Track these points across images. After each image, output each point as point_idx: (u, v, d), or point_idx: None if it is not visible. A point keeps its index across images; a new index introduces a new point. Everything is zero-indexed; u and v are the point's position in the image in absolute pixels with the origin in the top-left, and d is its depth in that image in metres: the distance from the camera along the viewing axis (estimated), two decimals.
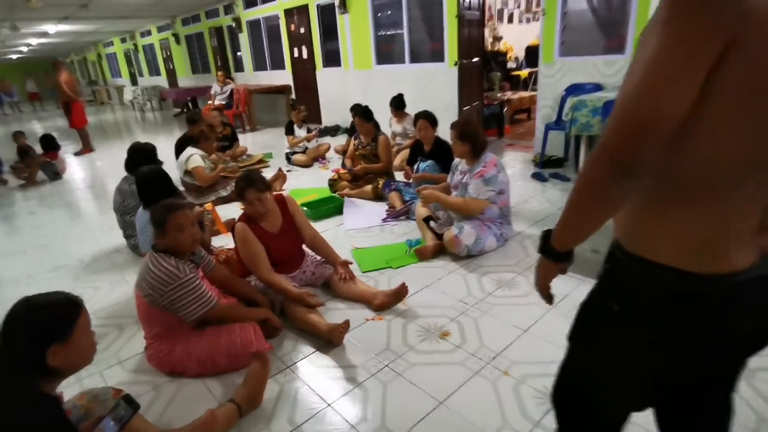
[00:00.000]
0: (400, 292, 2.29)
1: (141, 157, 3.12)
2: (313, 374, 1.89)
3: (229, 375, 1.89)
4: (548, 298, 1.04)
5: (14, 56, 21.33)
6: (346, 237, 3.28)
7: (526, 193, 3.94)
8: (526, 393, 1.71)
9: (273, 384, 1.83)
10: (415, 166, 3.78)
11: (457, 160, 3.04)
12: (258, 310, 2.11)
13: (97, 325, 2.41)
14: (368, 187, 4.04)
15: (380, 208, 3.75)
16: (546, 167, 4.62)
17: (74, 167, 6.77)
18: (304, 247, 2.63)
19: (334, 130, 7.60)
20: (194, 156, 3.98)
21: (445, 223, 2.98)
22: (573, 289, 2.37)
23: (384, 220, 3.50)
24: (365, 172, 4.13)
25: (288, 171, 5.25)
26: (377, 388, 1.78)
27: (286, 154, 5.67)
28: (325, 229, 3.46)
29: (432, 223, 2.99)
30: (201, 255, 2.09)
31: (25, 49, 18.01)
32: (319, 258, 2.59)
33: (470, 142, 2.77)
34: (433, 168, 3.59)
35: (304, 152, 5.61)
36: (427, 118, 3.62)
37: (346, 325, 2.03)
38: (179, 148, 4.37)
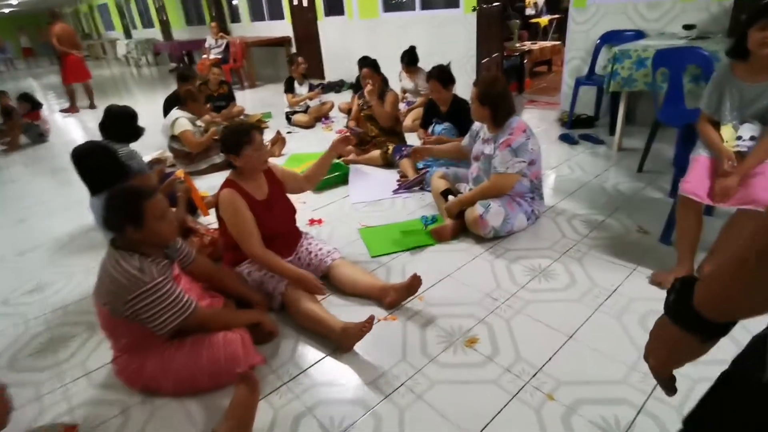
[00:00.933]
0: (413, 285, 1.93)
1: (119, 124, 2.71)
2: (315, 394, 1.57)
3: (213, 394, 1.57)
4: (670, 388, 0.66)
5: (6, 9, 20.33)
6: (353, 212, 2.90)
7: (555, 159, 3.49)
8: (579, 427, 1.37)
9: (266, 408, 1.51)
10: (430, 129, 3.32)
11: (477, 124, 2.59)
12: (249, 313, 1.76)
13: (64, 322, 2.11)
14: (376, 153, 3.60)
15: (391, 177, 3.34)
16: (575, 127, 4.13)
17: (63, 128, 6.35)
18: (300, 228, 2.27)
19: (338, 86, 7.04)
20: (180, 119, 3.54)
21: None
22: (623, 281, 1.99)
23: (395, 191, 3.10)
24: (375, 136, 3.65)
25: (288, 133, 4.80)
26: (392, 416, 1.45)
27: (286, 113, 5.19)
28: (328, 202, 3.07)
29: (452, 198, 2.58)
30: (176, 247, 1.73)
31: (14, 1, 17.08)
32: (316, 243, 2.22)
33: (493, 106, 2.31)
34: (450, 131, 3.14)
35: (305, 111, 5.12)
36: (439, 79, 3.10)
37: (369, 324, 1.67)
38: (167, 109, 3.92)
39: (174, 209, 2.35)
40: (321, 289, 1.91)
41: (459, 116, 3.10)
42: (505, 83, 2.39)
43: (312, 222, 2.81)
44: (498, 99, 2.31)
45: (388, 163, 3.55)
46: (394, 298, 1.92)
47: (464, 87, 4.73)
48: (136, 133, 2.69)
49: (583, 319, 1.80)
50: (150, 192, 1.53)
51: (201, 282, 1.81)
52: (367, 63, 3.62)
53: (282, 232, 2.11)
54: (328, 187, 3.28)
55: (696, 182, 1.88)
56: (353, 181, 3.27)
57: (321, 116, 5.16)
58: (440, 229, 2.44)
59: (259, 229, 1.94)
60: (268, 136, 4.15)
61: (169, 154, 3.82)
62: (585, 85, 4.08)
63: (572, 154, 3.57)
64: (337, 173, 3.42)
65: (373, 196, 3.06)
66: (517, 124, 2.33)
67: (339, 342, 1.72)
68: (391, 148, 3.50)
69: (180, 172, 2.68)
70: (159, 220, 1.51)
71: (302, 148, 4.30)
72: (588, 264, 2.15)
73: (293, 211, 2.22)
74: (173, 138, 3.58)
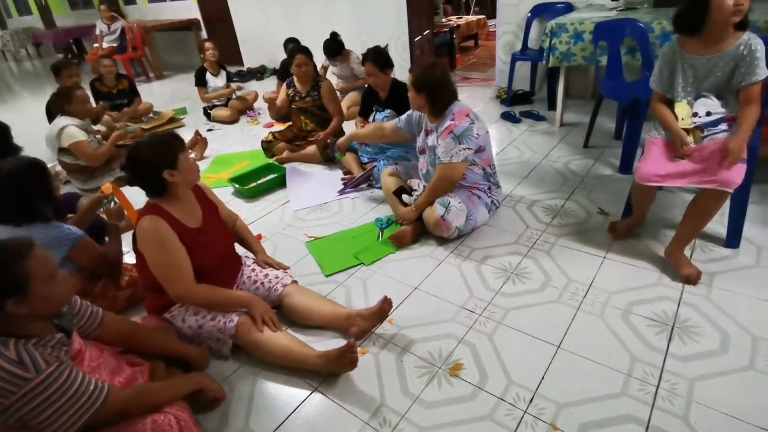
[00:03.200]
0: (383, 309, 1.67)
1: None
2: None
3: None
4: None
5: None
6: (296, 221, 2.57)
7: (501, 140, 3.37)
8: None
9: None
10: (371, 117, 3.04)
11: (415, 114, 2.36)
12: (184, 380, 1.41)
13: None
14: (312, 149, 3.26)
15: (334, 176, 3.03)
16: (513, 104, 4.04)
17: None
18: (239, 251, 1.92)
19: (259, 73, 6.47)
20: (68, 128, 2.93)
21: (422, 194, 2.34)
22: (596, 272, 1.89)
23: (341, 192, 2.80)
24: (320, 138, 3.28)
25: (209, 131, 4.28)
26: None
27: (204, 109, 4.62)
28: (265, 211, 2.71)
29: (406, 198, 2.35)
30: (73, 310, 1.32)
31: None
32: (260, 269, 1.87)
33: (431, 93, 2.08)
34: (392, 116, 2.87)
35: (226, 105, 4.60)
36: (376, 63, 2.82)
37: (351, 348, 1.44)
38: (52, 114, 3.25)
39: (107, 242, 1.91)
40: (275, 323, 1.62)
41: (400, 102, 2.83)
42: (444, 67, 2.17)
43: None
44: (436, 85, 2.07)
45: (327, 159, 3.23)
46: (363, 326, 1.67)
47: (400, 69, 4.48)
48: (9, 152, 2.14)
49: (567, 322, 1.66)
50: (26, 245, 1.12)
51: (115, 347, 1.42)
52: (301, 48, 3.21)
53: (223, 262, 1.76)
54: (262, 192, 2.91)
55: (653, 166, 1.79)
56: (291, 184, 2.92)
57: (245, 109, 4.66)
58: (399, 234, 2.20)
59: (193, 263, 1.58)
60: (186, 136, 3.63)
61: (59, 169, 3.20)
62: (521, 60, 3.99)
63: (516, 133, 3.47)
64: (272, 175, 3.05)
65: (316, 199, 2.75)
66: (459, 109, 2.12)
67: (333, 369, 1.50)
68: (330, 142, 3.18)
69: (107, 186, 2.18)
70: (48, 281, 1.12)
71: (226, 147, 3.83)
72: (558, 256, 2.02)
73: (232, 236, 1.89)
74: (62, 150, 2.98)
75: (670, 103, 1.89)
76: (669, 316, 1.64)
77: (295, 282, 1.86)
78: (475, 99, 4.40)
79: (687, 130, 1.78)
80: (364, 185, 2.84)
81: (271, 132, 3.52)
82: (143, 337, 1.49)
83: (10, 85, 8.78)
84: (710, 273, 1.82)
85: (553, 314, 1.71)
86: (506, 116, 3.76)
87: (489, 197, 2.25)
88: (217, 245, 1.72)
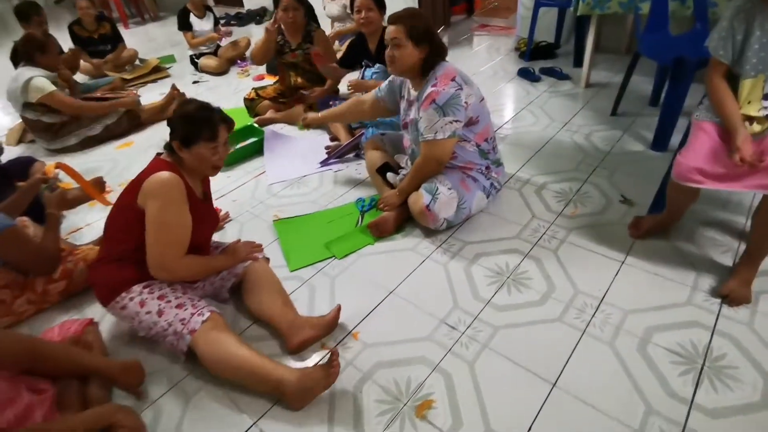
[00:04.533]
0: (333, 321, 1.46)
1: None
2: None
3: None
4: None
5: None
6: (269, 196, 2.26)
7: (515, 103, 2.92)
8: None
9: None
10: (359, 75, 2.63)
11: (397, 79, 1.93)
12: (91, 417, 1.16)
13: None
14: (299, 109, 2.88)
15: (318, 143, 2.66)
16: (534, 58, 3.52)
17: None
18: None
19: (258, 16, 5.93)
20: (36, 80, 2.60)
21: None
22: (611, 283, 1.55)
23: (323, 162, 2.45)
24: (301, 93, 2.88)
25: (194, 83, 3.91)
26: None
27: (191, 57, 4.21)
28: (236, 183, 2.39)
29: (391, 177, 1.99)
30: None
31: None
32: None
33: (432, 43, 1.68)
34: (383, 75, 2.45)
35: (215, 53, 4.17)
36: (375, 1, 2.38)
37: (336, 363, 1.25)
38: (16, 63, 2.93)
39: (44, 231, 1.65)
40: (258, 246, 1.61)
41: None
42: (424, 14, 1.76)
43: None
44: (433, 33, 1.69)
45: None
46: (307, 336, 1.41)
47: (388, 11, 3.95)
48: None
49: (568, 350, 1.35)
50: None
51: (9, 371, 1.18)
52: None
53: (207, 241, 1.60)
54: (238, 160, 2.58)
55: (697, 160, 1.37)
56: (269, 152, 2.58)
57: (235, 58, 4.23)
58: (379, 222, 1.87)
59: (196, 233, 1.42)
60: (165, 88, 3.28)
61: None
62: (545, 6, 3.41)
63: (534, 94, 3.00)
64: (250, 140, 2.71)
65: (294, 171, 2.41)
66: (443, 71, 1.70)
67: (291, 398, 1.24)
68: (315, 100, 2.79)
69: (50, 168, 1.88)
70: None
71: (211, 102, 3.46)
72: (566, 258, 1.68)
73: (218, 217, 1.77)
74: (27, 106, 2.67)
75: (734, 80, 1.41)
76: (698, 350, 1.31)
77: (266, 259, 1.69)
78: (492, 51, 3.87)
79: (752, 118, 1.35)
80: (350, 155, 2.49)
81: (254, 88, 3.13)
82: (49, 355, 1.24)
83: None
84: (755, 291, 1.46)
85: (552, 337, 1.40)
86: (524, 73, 3.26)
87: (487, 179, 1.88)
88: (212, 220, 1.60)
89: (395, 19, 1.69)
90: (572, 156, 2.28)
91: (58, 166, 1.87)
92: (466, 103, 1.68)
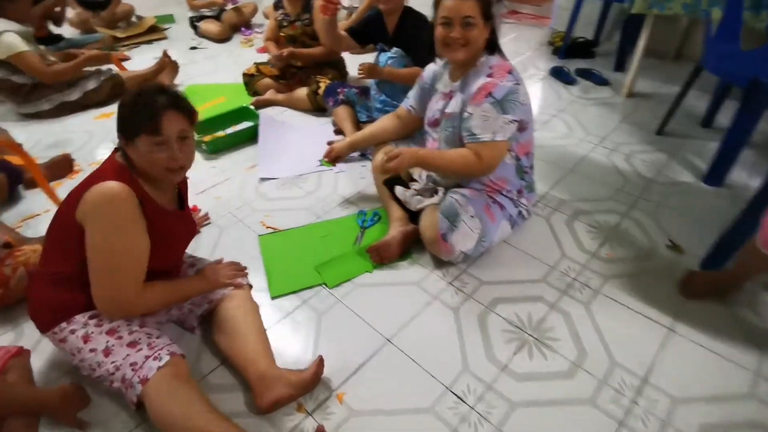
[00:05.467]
0: (314, 378, 1.18)
1: None
2: None
3: None
4: None
5: None
6: (257, 196, 1.96)
7: (545, 108, 2.59)
8: None
9: None
10: (374, 59, 2.29)
11: (429, 72, 1.63)
12: None
13: None
14: (303, 91, 2.55)
15: (321, 134, 2.35)
16: (569, 56, 3.16)
17: None
18: None
19: None
20: (5, 35, 2.26)
21: (426, 190, 1.67)
22: (655, 356, 1.27)
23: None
24: (293, 60, 2.51)
25: (192, 48, 3.56)
26: None
27: (190, 19, 3.83)
28: (223, 176, 2.09)
29: (400, 191, 1.69)
30: None
31: None
32: (202, 267, 1.36)
33: (493, 23, 1.40)
34: (400, 61, 2.12)
35: (217, 17, 3.79)
36: None
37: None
38: None
39: None
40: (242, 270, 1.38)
41: (412, 37, 2.07)
42: None
43: None
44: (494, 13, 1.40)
45: (318, 108, 2.52)
46: (283, 394, 1.13)
47: None
48: None
49: None
50: None
51: None
52: None
53: (178, 261, 1.31)
54: (227, 147, 2.27)
55: None
56: (264, 141, 2.26)
57: (240, 24, 3.86)
58: (381, 246, 1.58)
59: (156, 259, 1.11)
60: (159, 52, 2.93)
61: None
62: None
63: (566, 99, 2.66)
64: (244, 124, 2.39)
65: (290, 168, 2.10)
66: (497, 61, 1.42)
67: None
68: (323, 85, 2.45)
69: None
70: None
71: (206, 74, 3.13)
72: (601, 315, 1.40)
73: (195, 225, 1.39)
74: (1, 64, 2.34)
75: None
76: None
77: (247, 286, 1.39)
78: (521, 43, 3.50)
79: None
80: (355, 153, 2.17)
81: (255, 63, 2.78)
82: None
83: None
84: None
85: (582, 427, 1.13)
86: (557, 73, 2.91)
87: (516, 207, 1.58)
88: (186, 233, 1.30)
89: None
90: (609, 180, 1.98)
91: (3, 140, 1.57)
92: (522, 102, 1.39)
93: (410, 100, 1.71)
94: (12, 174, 1.90)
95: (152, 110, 1.03)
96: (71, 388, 1.12)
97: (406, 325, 1.38)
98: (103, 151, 2.29)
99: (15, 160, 1.91)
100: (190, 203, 1.84)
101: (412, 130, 1.80)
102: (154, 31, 3.79)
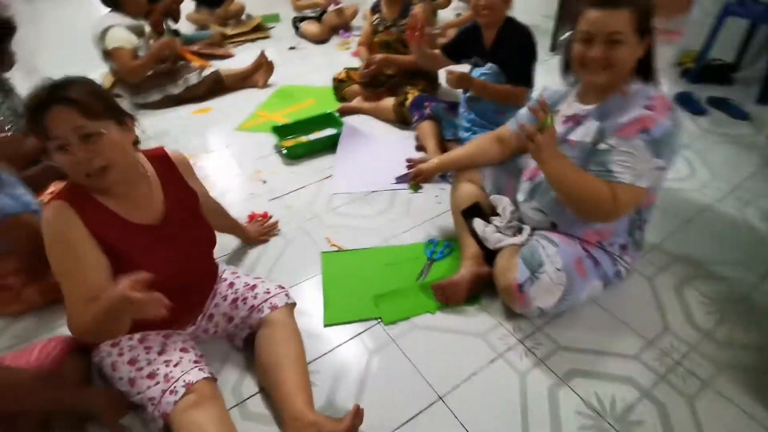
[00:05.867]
0: (352, 428, 1.04)
1: None
2: None
3: None
4: None
5: None
6: (327, 210, 1.90)
7: None
8: None
9: None
10: (469, 72, 2.12)
11: (552, 90, 1.41)
12: None
13: None
14: (389, 102, 2.46)
15: (402, 149, 2.24)
16: (700, 80, 2.72)
17: None
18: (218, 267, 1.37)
19: None
20: (114, 30, 2.47)
21: (509, 228, 1.48)
22: None
23: (400, 179, 2.02)
24: (385, 66, 2.42)
25: (291, 48, 3.65)
26: None
27: (293, 20, 3.93)
28: (298, 183, 2.06)
29: (479, 224, 1.50)
30: None
31: None
32: (245, 282, 1.30)
33: (649, 34, 1.14)
34: (494, 79, 1.93)
35: (319, 19, 3.85)
36: None
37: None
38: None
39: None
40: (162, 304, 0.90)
41: (510, 53, 1.87)
42: None
43: (253, 218, 1.85)
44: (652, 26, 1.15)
45: (403, 120, 2.42)
46: None
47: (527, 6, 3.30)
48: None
49: None
50: None
51: None
52: None
53: (187, 280, 1.18)
54: (306, 154, 2.25)
55: None
56: (343, 152, 2.21)
57: (339, 27, 3.88)
58: (448, 285, 1.42)
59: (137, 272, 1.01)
60: (269, 49, 3.02)
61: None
62: (736, 15, 2.57)
63: (694, 133, 2.27)
64: (327, 131, 2.37)
65: (364, 183, 2.02)
66: (657, 93, 1.18)
67: None
68: (410, 98, 2.34)
69: None
70: None
71: (302, 75, 3.17)
72: (708, 417, 1.12)
73: (211, 241, 1.28)
74: (106, 55, 2.56)
75: None
76: None
77: (291, 304, 1.29)
78: None
79: None
80: (435, 174, 2.03)
81: (346, 68, 2.75)
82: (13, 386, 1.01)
83: None
84: None
85: None
86: (684, 99, 2.51)
87: (614, 264, 1.33)
88: (182, 253, 1.15)
89: (618, 0, 1.11)
90: (739, 240, 1.63)
91: None
92: (675, 150, 1.18)
93: (519, 122, 1.47)
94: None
95: (33, 111, 0.92)
96: (120, 392, 1.12)
97: (462, 383, 1.22)
98: (191, 146, 2.39)
99: None
100: (262, 209, 1.88)
101: (511, 154, 1.57)
102: (259, 30, 3.96)
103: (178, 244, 1.14)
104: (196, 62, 2.91)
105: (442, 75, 2.48)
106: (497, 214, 1.53)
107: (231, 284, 1.31)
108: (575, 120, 1.28)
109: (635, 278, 1.49)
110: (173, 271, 1.11)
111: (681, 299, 1.42)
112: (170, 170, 1.20)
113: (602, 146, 1.17)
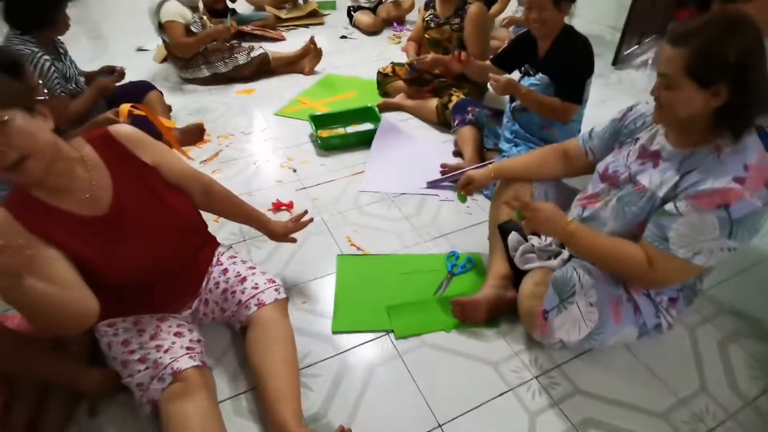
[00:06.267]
0: None
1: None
2: None
3: None
4: None
5: None
6: (353, 207, 1.84)
7: None
8: None
9: None
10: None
11: (639, 110, 1.23)
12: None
13: None
14: (432, 102, 2.37)
15: (438, 152, 2.15)
16: None
17: None
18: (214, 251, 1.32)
19: None
20: (168, 3, 2.50)
21: (544, 249, 1.34)
22: None
23: (432, 184, 1.94)
24: (432, 68, 2.33)
25: (342, 38, 3.60)
26: None
27: (348, 9, 3.88)
28: (328, 176, 2.01)
29: (514, 240, 1.38)
30: None
31: None
32: (238, 272, 1.25)
33: (731, 82, 0.90)
34: (546, 89, 1.79)
35: (374, 10, 3.78)
36: None
37: None
38: None
39: None
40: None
41: (563, 65, 1.72)
42: (757, 29, 0.93)
43: (278, 207, 1.82)
44: (749, 65, 0.90)
45: (444, 123, 2.32)
46: None
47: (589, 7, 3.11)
48: (44, 20, 1.72)
49: None
50: None
51: None
52: None
53: (164, 269, 1.12)
54: (342, 146, 2.20)
55: None
56: (378, 148, 2.14)
57: (394, 19, 3.80)
58: (468, 303, 1.33)
59: (94, 275, 0.97)
60: (317, 35, 3.00)
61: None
62: None
63: None
64: (365, 125, 2.31)
65: (394, 184, 1.95)
66: (762, 156, 0.96)
67: None
68: (455, 99, 2.24)
69: (123, 108, 1.65)
70: None
71: (350, 65, 3.12)
72: None
73: (183, 223, 1.15)
74: (161, 28, 2.60)
75: None
76: None
77: (282, 300, 1.22)
78: None
79: None
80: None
81: (392, 63, 2.68)
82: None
83: None
84: None
85: None
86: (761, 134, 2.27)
87: (657, 315, 1.19)
88: (149, 240, 1.06)
89: (676, 36, 0.94)
90: None
91: (134, 107, 1.66)
92: (758, 229, 0.98)
93: (592, 139, 1.33)
94: (152, 135, 2.06)
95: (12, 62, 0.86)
96: (114, 372, 1.11)
97: (465, 413, 1.14)
98: (232, 125, 2.39)
99: (159, 122, 2.07)
100: (288, 198, 1.84)
101: (576, 175, 1.44)
102: (314, 16, 3.93)
103: (138, 230, 1.04)
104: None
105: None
106: (536, 235, 1.41)
107: (225, 270, 1.25)
108: (655, 157, 1.11)
109: (675, 325, 1.35)
110: (142, 261, 1.05)
111: (724, 357, 1.28)
112: (114, 148, 1.06)
113: (670, 207, 1.01)
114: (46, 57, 1.68)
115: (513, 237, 1.39)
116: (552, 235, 1.18)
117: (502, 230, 1.44)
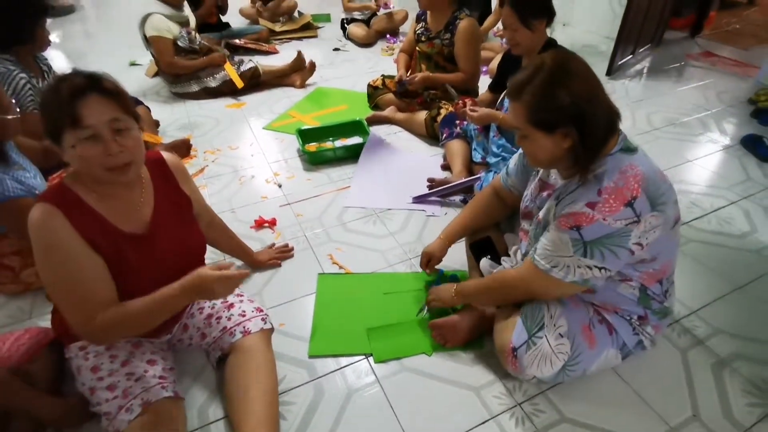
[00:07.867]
0: None
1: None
2: None
3: None
4: None
5: None
6: (337, 223, 1.80)
7: (721, 189, 1.97)
8: None
9: None
10: (498, 102, 1.97)
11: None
12: None
13: None
14: (421, 115, 2.34)
15: (426, 167, 2.11)
16: None
17: None
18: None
19: None
20: (154, 17, 2.49)
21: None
22: None
23: (418, 199, 1.90)
24: (424, 86, 2.35)
25: (335, 50, 3.59)
26: None
27: (342, 21, 3.88)
28: (314, 191, 1.98)
29: (486, 264, 1.33)
30: None
31: None
32: (223, 300, 1.22)
33: (582, 126, 0.93)
34: None
35: (367, 22, 3.78)
36: (515, 6, 1.63)
37: None
38: None
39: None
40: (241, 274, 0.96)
41: None
42: (584, 66, 0.97)
43: (261, 224, 1.78)
44: (586, 110, 0.92)
45: (433, 136, 2.29)
46: None
47: (584, 17, 3.10)
48: (21, 38, 1.69)
49: None
50: None
51: None
52: None
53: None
54: (328, 161, 2.17)
55: None
56: (364, 163, 2.10)
57: (388, 31, 3.79)
58: (447, 325, 1.29)
59: (122, 285, 0.97)
60: (310, 48, 2.99)
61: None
62: None
63: (760, 183, 2.00)
64: (353, 139, 2.28)
65: (379, 199, 1.91)
66: (619, 177, 0.95)
67: None
68: (443, 113, 2.21)
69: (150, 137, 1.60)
70: None
71: (342, 77, 3.10)
72: None
73: (200, 251, 1.17)
74: (148, 42, 2.59)
75: None
76: None
77: (267, 330, 1.20)
78: (711, 94, 2.80)
79: None
80: (457, 198, 1.90)
81: (383, 75, 2.65)
82: None
83: None
84: None
85: None
86: (751, 142, 2.23)
87: (635, 333, 1.14)
88: (169, 263, 1.05)
89: (512, 91, 1.00)
90: None
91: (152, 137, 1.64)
92: (638, 244, 0.96)
93: (510, 176, 1.31)
94: None
95: (67, 97, 0.85)
96: (78, 403, 1.07)
97: None
98: (220, 140, 2.37)
99: (148, 138, 2.05)
100: (272, 215, 1.81)
101: (506, 213, 1.41)
102: (307, 29, 3.94)
103: (164, 253, 1.05)
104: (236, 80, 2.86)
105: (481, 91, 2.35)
106: (507, 255, 1.37)
107: (205, 309, 1.23)
108: (544, 187, 1.15)
109: (666, 347, 1.30)
110: (157, 280, 1.01)
111: (718, 382, 1.22)
112: (165, 175, 1.12)
113: (547, 219, 1.07)
114: (23, 75, 1.66)
115: (484, 263, 1.33)
116: (448, 304, 1.29)
117: (473, 249, 1.41)
